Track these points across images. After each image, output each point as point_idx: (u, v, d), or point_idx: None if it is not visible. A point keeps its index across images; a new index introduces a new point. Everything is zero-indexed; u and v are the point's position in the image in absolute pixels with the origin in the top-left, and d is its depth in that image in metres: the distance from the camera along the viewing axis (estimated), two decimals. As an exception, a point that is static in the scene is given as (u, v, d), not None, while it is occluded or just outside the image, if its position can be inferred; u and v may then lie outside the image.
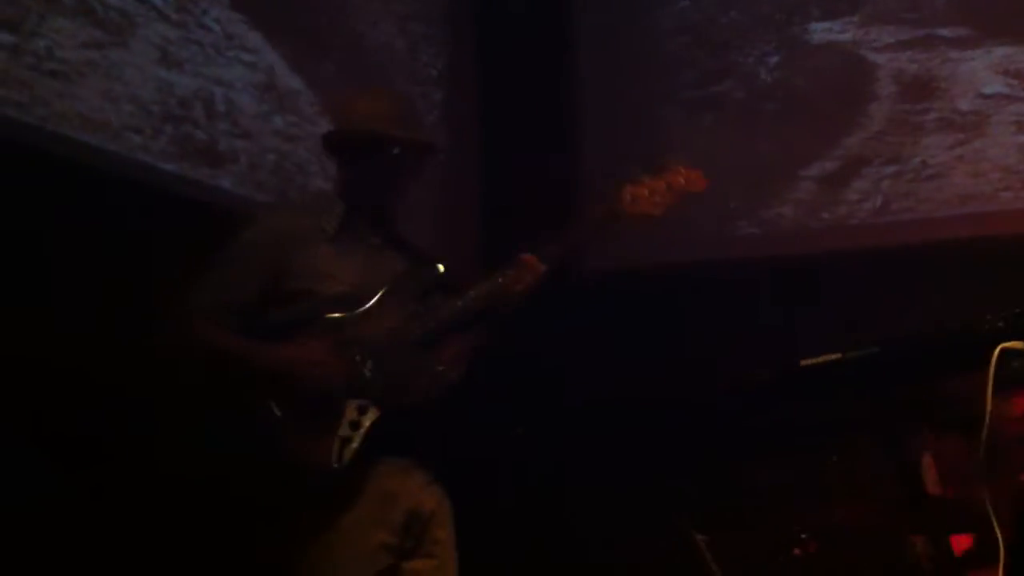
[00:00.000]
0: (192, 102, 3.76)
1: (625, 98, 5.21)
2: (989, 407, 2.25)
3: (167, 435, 3.24)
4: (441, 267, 2.94)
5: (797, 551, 2.93)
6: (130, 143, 3.50)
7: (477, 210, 5.16)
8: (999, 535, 2.27)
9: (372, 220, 2.92)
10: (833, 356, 2.58)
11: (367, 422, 2.66)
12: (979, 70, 4.45)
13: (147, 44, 3.65)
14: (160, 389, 3.13)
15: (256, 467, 2.67)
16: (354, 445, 2.63)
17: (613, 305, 4.68)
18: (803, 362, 2.61)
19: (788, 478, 3.22)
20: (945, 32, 4.56)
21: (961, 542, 2.70)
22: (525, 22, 5.28)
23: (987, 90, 4.42)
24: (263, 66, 4.06)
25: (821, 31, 4.78)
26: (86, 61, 3.43)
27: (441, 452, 2.88)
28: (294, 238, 2.81)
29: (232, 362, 2.68)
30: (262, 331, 2.71)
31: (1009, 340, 2.31)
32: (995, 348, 2.29)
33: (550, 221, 4.76)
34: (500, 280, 2.84)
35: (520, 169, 5.12)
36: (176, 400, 3.08)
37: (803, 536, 2.93)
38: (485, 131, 5.18)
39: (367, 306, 2.77)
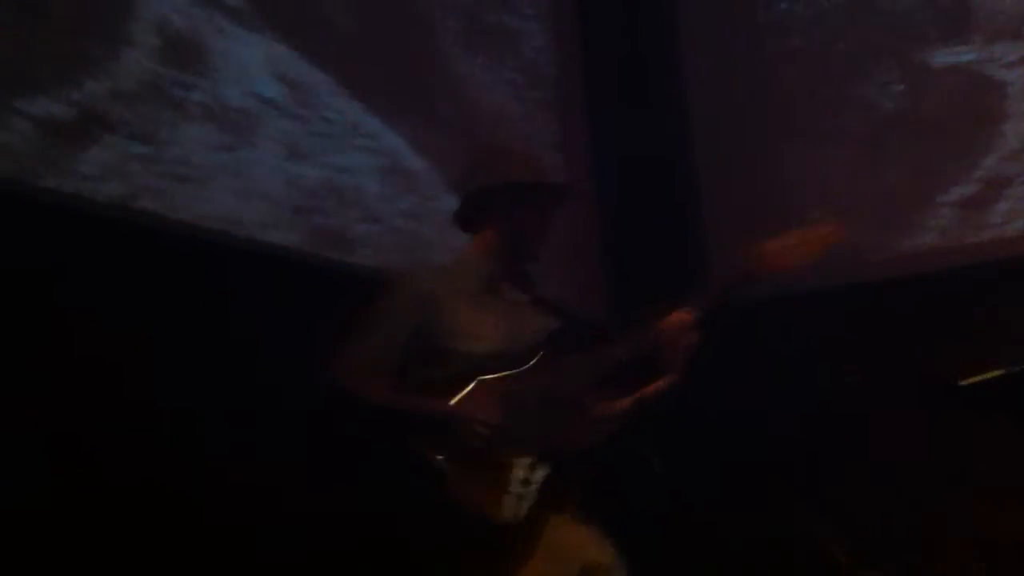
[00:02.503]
0: (320, 192, 3.82)
1: (742, 137, 5.15)
2: None
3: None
4: (588, 321, 2.94)
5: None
6: (267, 239, 3.57)
7: (600, 267, 5.14)
8: None
9: (513, 277, 2.94)
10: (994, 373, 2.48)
11: (538, 478, 2.66)
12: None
13: (273, 141, 3.73)
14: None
15: (424, 514, 2.67)
16: (528, 503, 2.63)
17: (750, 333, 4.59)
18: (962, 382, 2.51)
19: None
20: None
21: None
22: (633, 70, 5.29)
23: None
24: (385, 150, 4.12)
25: (942, 54, 4.65)
26: (217, 164, 3.52)
27: (603, 502, 2.85)
28: (437, 299, 2.82)
29: (391, 413, 2.71)
30: (414, 389, 2.74)
31: None
32: None
33: (680, 270, 4.81)
34: (652, 334, 2.80)
35: (640, 220, 5.10)
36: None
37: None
38: (602, 190, 5.17)
39: (521, 362, 2.77)
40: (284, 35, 3.94)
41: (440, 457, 2.63)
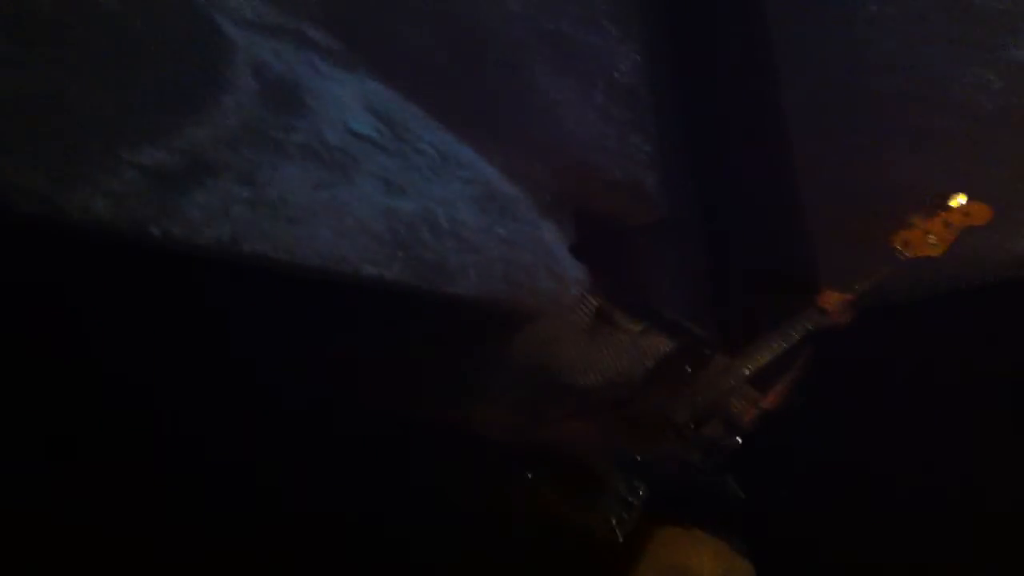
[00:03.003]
0: (418, 224, 3.86)
1: (843, 144, 5.07)
2: None
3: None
4: (706, 341, 2.92)
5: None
6: (369, 274, 3.62)
7: (711, 287, 5.10)
8: None
9: (626, 304, 2.93)
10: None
11: (638, 500, 2.64)
12: None
13: (371, 177, 3.78)
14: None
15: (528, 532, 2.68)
16: (630, 519, 2.61)
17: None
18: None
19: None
20: None
21: None
22: (727, 84, 5.25)
23: None
24: (480, 179, 4.15)
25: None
26: (318, 202, 3.58)
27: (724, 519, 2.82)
28: (553, 335, 2.83)
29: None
30: (533, 424, 2.74)
31: None
32: None
33: (791, 284, 4.75)
34: (807, 321, 2.76)
35: (744, 232, 5.05)
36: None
37: None
38: (703, 207, 5.12)
39: (640, 389, 2.77)
40: (377, 71, 4.00)
41: (531, 475, 2.62)
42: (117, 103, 3.17)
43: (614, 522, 2.57)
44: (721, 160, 5.07)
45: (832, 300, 2.78)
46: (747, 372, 2.78)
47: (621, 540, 2.55)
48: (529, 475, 2.64)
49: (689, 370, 2.83)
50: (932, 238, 2.71)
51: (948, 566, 3.66)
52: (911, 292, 4.31)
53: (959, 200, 2.73)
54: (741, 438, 2.83)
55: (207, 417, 3.07)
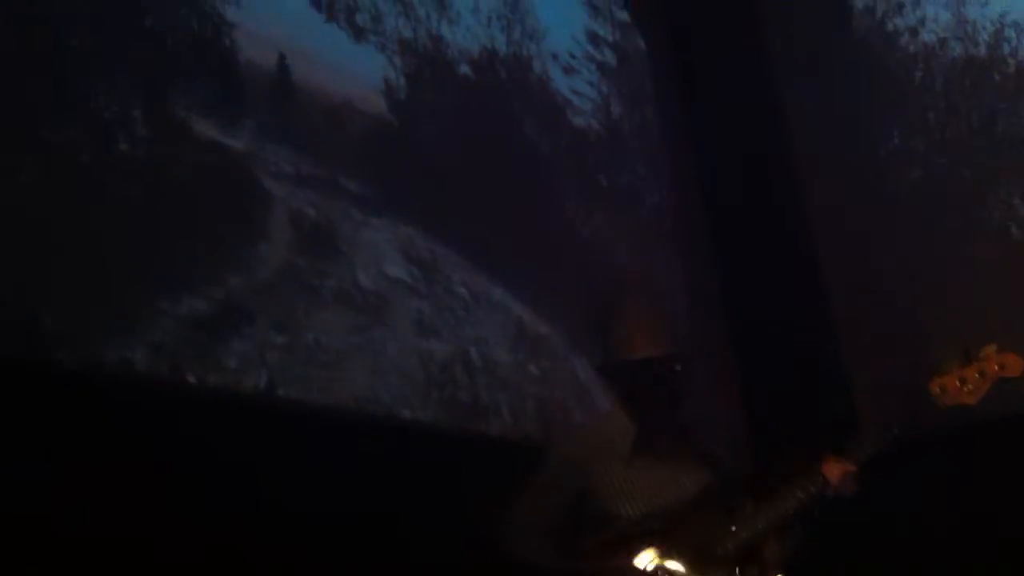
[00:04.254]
0: (452, 364, 3.93)
1: (873, 274, 5.10)
2: None
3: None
4: (739, 476, 2.92)
5: None
6: (402, 416, 3.67)
7: (744, 418, 5.09)
8: None
9: (664, 434, 2.93)
10: None
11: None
12: None
13: (404, 319, 3.87)
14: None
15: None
16: None
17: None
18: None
19: None
20: None
21: None
22: (757, 215, 5.31)
23: None
24: (512, 318, 4.23)
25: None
26: (352, 345, 3.67)
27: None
28: (591, 463, 2.85)
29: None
30: (573, 553, 2.76)
31: None
32: None
33: (824, 417, 4.73)
34: (811, 487, 2.77)
35: (780, 367, 5.05)
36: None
37: None
38: (735, 345, 5.14)
39: (674, 524, 2.77)
40: (410, 216, 4.13)
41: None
42: (158, 254, 3.29)
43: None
44: (751, 297, 5.10)
45: (835, 471, 2.80)
46: (773, 519, 2.80)
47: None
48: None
49: (726, 507, 2.84)
50: (968, 387, 2.75)
51: None
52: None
53: (991, 350, 2.78)
54: None
55: (243, 563, 3.10)
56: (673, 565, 2.70)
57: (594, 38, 5.23)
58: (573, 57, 5.10)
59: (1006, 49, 4.86)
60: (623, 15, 5.44)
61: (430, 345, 3.90)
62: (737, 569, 2.76)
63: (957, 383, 2.75)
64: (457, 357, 3.97)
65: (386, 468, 3.49)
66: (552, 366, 4.29)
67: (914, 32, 5.10)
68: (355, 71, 4.24)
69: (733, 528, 2.78)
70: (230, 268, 3.50)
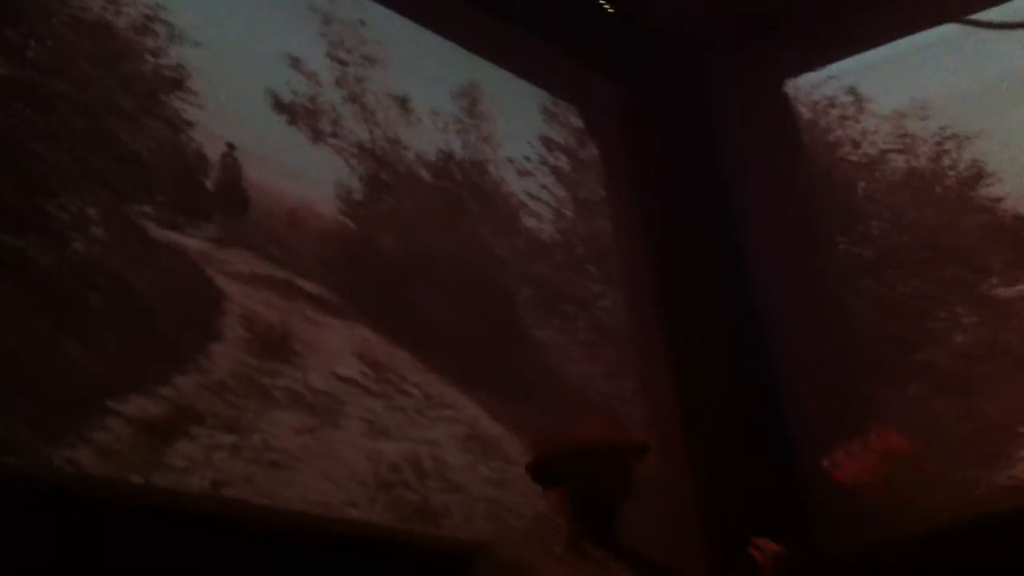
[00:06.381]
0: (401, 465, 3.93)
1: (825, 378, 5.18)
2: None
3: None
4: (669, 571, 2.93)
5: None
6: (351, 517, 3.66)
7: (694, 513, 5.10)
8: None
9: (597, 535, 2.94)
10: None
11: None
12: None
13: (355, 419, 3.88)
14: None
15: None
16: None
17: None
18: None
19: None
20: None
21: None
22: (710, 319, 5.39)
23: None
24: (464, 418, 4.24)
25: (1009, 284, 4.70)
26: (301, 446, 3.66)
27: None
28: (525, 567, 2.84)
29: None
30: None
31: None
32: None
33: (771, 510, 4.75)
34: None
35: (734, 468, 5.08)
36: None
37: None
38: (691, 441, 5.18)
39: None
40: (366, 317, 4.16)
41: None
42: (108, 355, 3.29)
43: None
44: (706, 398, 5.15)
45: (765, 554, 2.82)
46: None
47: None
48: None
49: None
50: (856, 461, 2.83)
51: None
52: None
53: (877, 430, 2.90)
54: None
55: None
56: None
57: (548, 143, 5.35)
58: (528, 160, 5.21)
59: (946, 161, 5.03)
60: (578, 122, 5.58)
61: (380, 445, 3.90)
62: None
63: (845, 457, 2.84)
64: (407, 458, 3.97)
65: (332, 570, 3.47)
66: (504, 468, 4.29)
67: (856, 144, 5.27)
68: (313, 174, 4.30)
69: None
70: (180, 368, 3.51)
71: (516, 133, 5.24)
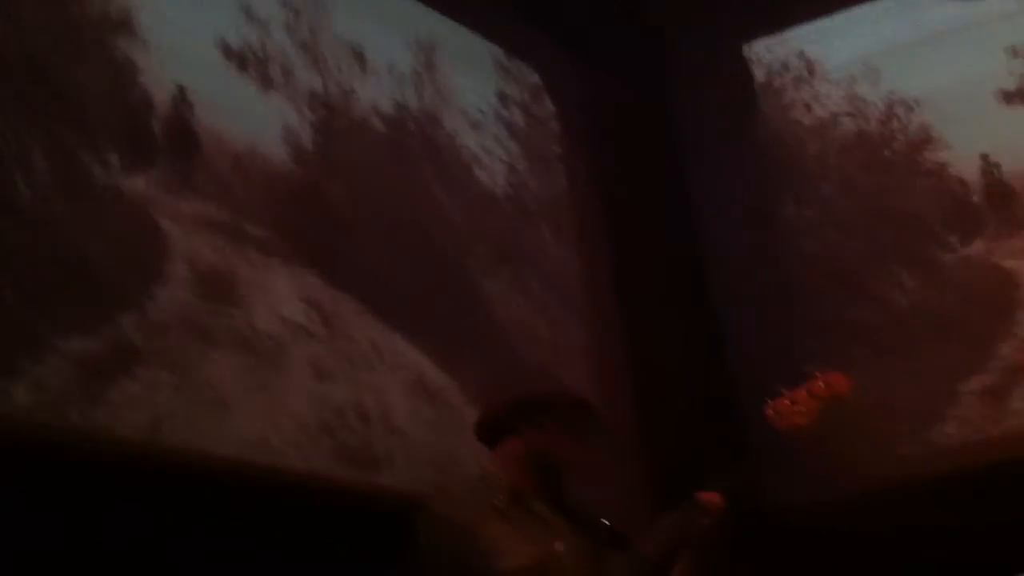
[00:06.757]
0: (345, 410, 3.96)
1: (768, 335, 5.25)
2: None
3: None
4: (608, 523, 2.97)
5: None
6: (289, 458, 3.69)
7: (639, 462, 5.18)
8: None
9: (539, 490, 2.98)
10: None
11: None
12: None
13: (299, 364, 3.90)
14: None
15: None
16: None
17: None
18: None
19: None
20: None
21: None
22: (661, 276, 5.46)
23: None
24: (410, 367, 4.28)
25: (951, 249, 4.79)
26: (244, 388, 3.68)
27: None
28: (466, 520, 2.87)
29: None
30: None
31: None
32: None
33: (716, 463, 4.82)
34: (679, 524, 2.83)
35: (674, 417, 5.17)
36: None
37: None
38: (636, 391, 5.25)
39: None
40: (314, 264, 4.17)
41: None
42: (47, 295, 3.29)
43: None
44: (651, 351, 5.22)
45: (710, 498, 2.86)
46: (636, 566, 2.84)
47: None
48: None
49: (589, 559, 2.88)
50: (799, 407, 2.86)
51: None
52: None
53: (819, 371, 2.91)
54: None
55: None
56: None
57: (504, 98, 5.37)
58: (482, 114, 5.22)
59: (895, 125, 5.09)
60: (534, 78, 5.59)
61: (324, 390, 3.93)
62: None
63: (788, 403, 2.87)
64: (352, 403, 4.00)
65: (271, 514, 3.50)
66: (449, 417, 4.33)
67: (808, 107, 5.32)
68: (263, 121, 4.29)
69: None
70: (123, 309, 3.51)
71: (471, 88, 5.25)
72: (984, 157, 4.94)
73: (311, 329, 4.00)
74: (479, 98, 5.26)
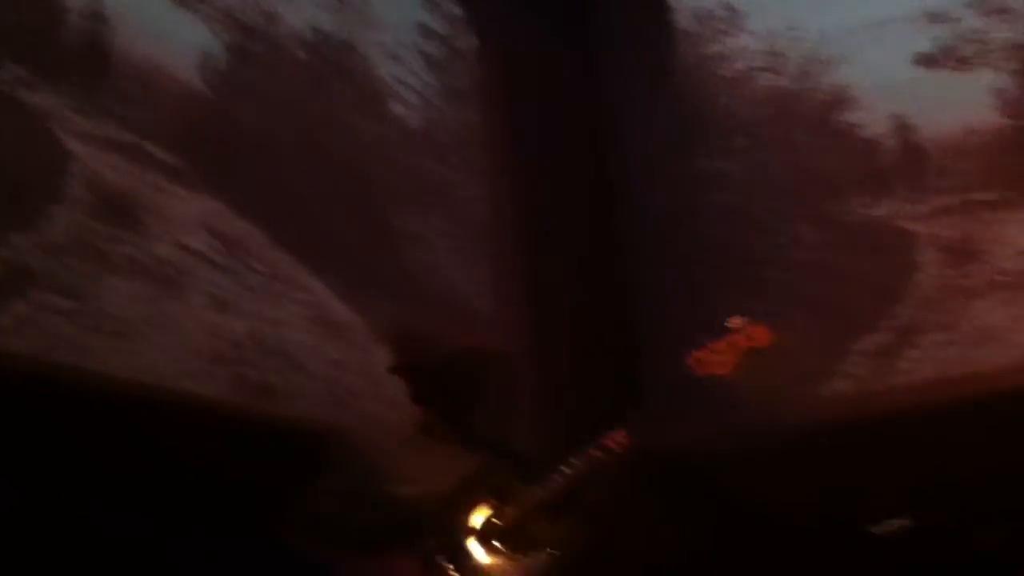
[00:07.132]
0: (243, 342, 3.93)
1: (681, 289, 5.32)
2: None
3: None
4: (519, 457, 3.02)
5: None
6: (185, 387, 3.65)
7: (540, 407, 5.23)
8: None
9: (449, 421, 3.02)
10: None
11: None
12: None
13: (199, 293, 3.85)
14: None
15: None
16: None
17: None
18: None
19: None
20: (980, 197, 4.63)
21: None
22: (572, 219, 5.47)
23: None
24: (312, 300, 4.24)
25: (857, 208, 4.87)
26: (140, 316, 3.63)
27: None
28: (372, 447, 2.90)
29: None
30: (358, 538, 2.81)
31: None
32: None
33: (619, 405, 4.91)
34: (584, 462, 2.89)
35: (579, 362, 5.22)
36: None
37: None
38: (538, 333, 5.28)
39: (447, 506, 2.85)
40: (219, 191, 4.10)
41: None
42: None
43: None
44: (558, 292, 5.25)
45: (617, 438, 2.92)
46: (541, 499, 2.90)
47: None
48: None
49: (493, 489, 2.93)
50: (719, 357, 2.92)
51: None
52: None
53: (741, 322, 2.97)
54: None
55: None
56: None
57: (425, 30, 5.29)
58: (402, 46, 5.15)
59: (810, 83, 5.13)
60: (458, 11, 5.51)
61: (222, 320, 3.88)
62: (504, 546, 2.87)
63: (710, 353, 2.94)
64: (251, 335, 3.97)
65: (162, 443, 3.48)
66: (350, 353, 4.32)
67: (728, 59, 5.33)
68: (175, 40, 4.17)
69: (504, 507, 2.88)
70: (18, 228, 3.42)
71: (392, 18, 5.16)
72: (897, 119, 5.01)
73: (212, 258, 3.95)
74: (400, 28, 5.17)
